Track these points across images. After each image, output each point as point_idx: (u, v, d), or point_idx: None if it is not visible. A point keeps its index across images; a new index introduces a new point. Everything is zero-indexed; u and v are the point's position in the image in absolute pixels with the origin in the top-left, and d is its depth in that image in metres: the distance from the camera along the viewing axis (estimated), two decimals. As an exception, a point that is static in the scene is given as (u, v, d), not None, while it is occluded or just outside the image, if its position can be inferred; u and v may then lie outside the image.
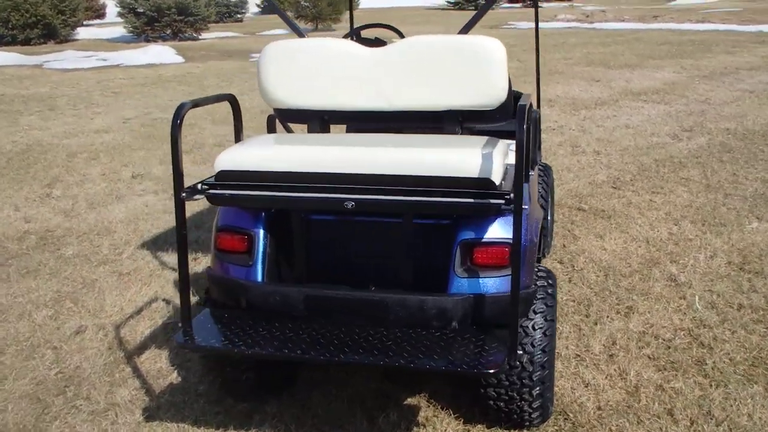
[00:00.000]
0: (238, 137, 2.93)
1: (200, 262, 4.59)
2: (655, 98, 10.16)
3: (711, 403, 2.94)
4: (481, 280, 2.45)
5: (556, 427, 2.82)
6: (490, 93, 2.75)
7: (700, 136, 7.74)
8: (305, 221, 2.71)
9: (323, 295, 2.54)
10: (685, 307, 3.77)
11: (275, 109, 3.10)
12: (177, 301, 3.95)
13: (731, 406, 2.93)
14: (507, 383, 2.61)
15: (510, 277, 2.40)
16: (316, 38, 3.03)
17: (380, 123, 3.04)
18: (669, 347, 3.39)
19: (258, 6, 33.95)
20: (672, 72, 12.70)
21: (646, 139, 7.71)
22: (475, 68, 2.74)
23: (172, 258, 4.68)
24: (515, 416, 2.70)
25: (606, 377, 3.15)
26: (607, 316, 3.69)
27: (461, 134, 2.92)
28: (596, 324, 3.61)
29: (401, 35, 3.80)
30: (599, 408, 2.93)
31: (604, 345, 3.42)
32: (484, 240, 2.47)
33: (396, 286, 2.58)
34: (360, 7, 28.48)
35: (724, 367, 3.22)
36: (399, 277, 2.61)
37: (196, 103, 2.52)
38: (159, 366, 3.38)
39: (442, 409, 2.93)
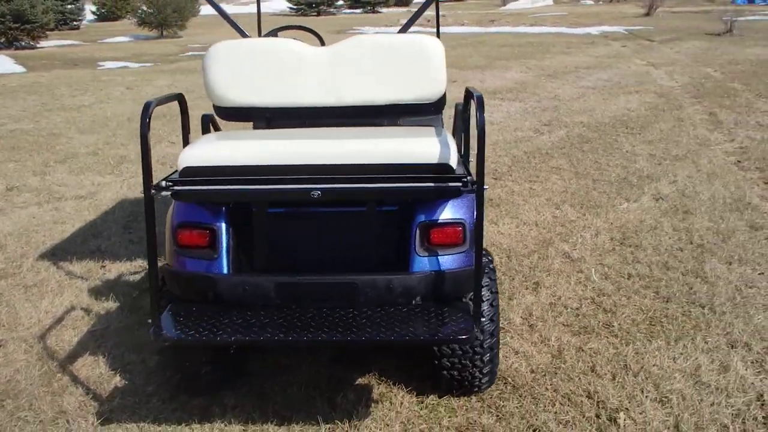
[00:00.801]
0: (186, 136, 2.98)
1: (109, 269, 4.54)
2: (510, 96, 10.85)
3: (625, 359, 3.33)
4: (439, 258, 2.68)
5: (498, 391, 3.09)
6: (431, 87, 2.98)
7: (558, 129, 8.40)
8: (266, 214, 2.81)
9: (295, 282, 2.66)
10: (584, 279, 4.19)
11: (219, 108, 3.16)
12: (97, 308, 3.94)
13: (642, 359, 3.33)
14: (460, 352, 2.86)
15: (464, 254, 2.66)
16: (261, 38, 3.12)
17: (324, 119, 3.17)
18: (578, 314, 3.78)
19: (93, 13, 32.44)
20: (519, 72, 13.56)
21: (512, 133, 8.27)
22: (417, 64, 2.96)
23: (77, 267, 4.58)
24: (467, 383, 2.95)
25: (531, 344, 3.47)
26: (519, 292, 4.03)
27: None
28: (511, 299, 3.94)
29: (320, 38, 3.95)
30: (532, 371, 3.24)
31: (522, 317, 3.75)
32: (440, 221, 2.69)
33: (359, 270, 2.74)
34: (201, 14, 27.92)
35: (628, 327, 3.63)
36: (361, 261, 2.77)
37: (159, 102, 2.57)
38: (98, 372, 3.35)
39: (394, 385, 3.13)
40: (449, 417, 2.94)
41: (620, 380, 3.17)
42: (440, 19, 4.58)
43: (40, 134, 8.72)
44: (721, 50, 15.90)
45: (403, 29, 3.29)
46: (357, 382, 3.18)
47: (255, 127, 3.16)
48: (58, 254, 4.84)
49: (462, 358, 2.87)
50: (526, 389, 3.11)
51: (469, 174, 2.61)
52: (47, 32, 21.27)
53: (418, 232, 2.69)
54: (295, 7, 37.83)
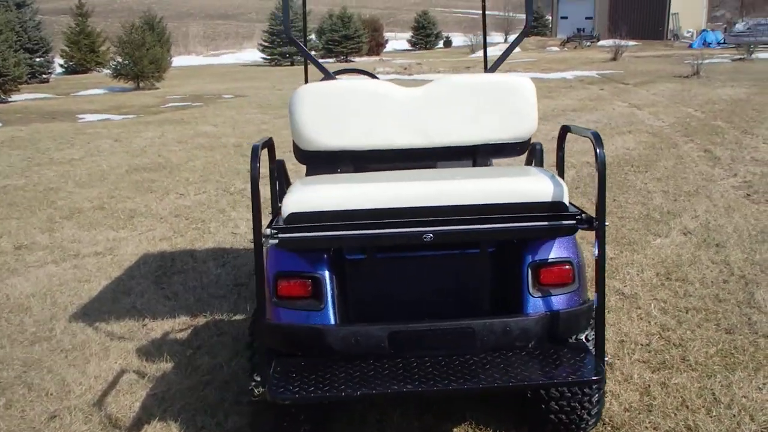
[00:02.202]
0: (274, 181, 2.92)
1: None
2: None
3: (713, 392, 3.31)
4: (552, 299, 2.63)
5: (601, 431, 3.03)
6: (523, 126, 2.98)
7: (568, 169, 8.46)
8: (375, 259, 2.74)
9: (409, 329, 2.56)
10: (644, 315, 4.18)
11: (305, 152, 3.09)
12: (151, 370, 3.79)
13: (729, 390, 3.31)
14: (569, 394, 2.80)
15: (573, 293, 2.63)
16: (347, 80, 3.08)
17: (413, 161, 3.13)
18: (650, 350, 3.75)
19: (61, 66, 32.17)
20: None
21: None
22: (509, 103, 2.96)
23: (116, 327, 4.42)
24: (574, 426, 2.88)
25: (615, 383, 3.43)
26: (584, 331, 3.99)
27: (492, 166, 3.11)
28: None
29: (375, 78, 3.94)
30: (626, 410, 3.19)
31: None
32: (549, 260, 2.66)
33: (469, 314, 2.67)
34: (173, 65, 27.93)
35: (704, 360, 3.62)
36: (471, 305, 2.72)
37: (264, 145, 2.52)
38: (176, 435, 3.21)
39: None
40: (559, 460, 2.87)
41: (716, 414, 3.14)
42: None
43: (36, 189, 8.52)
44: (694, 91, 16.34)
45: (492, 69, 3.30)
46: None
47: (341, 171, 3.09)
48: (91, 314, 4.68)
49: (571, 400, 2.81)
50: (626, 429, 3.06)
51: (583, 211, 2.59)
52: (19, 86, 20.89)
53: (530, 272, 2.65)
54: (268, 57, 38.05)
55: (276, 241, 2.46)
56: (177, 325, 4.42)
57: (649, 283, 4.68)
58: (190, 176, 8.91)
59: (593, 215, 2.49)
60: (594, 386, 2.77)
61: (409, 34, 55.56)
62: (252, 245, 5.91)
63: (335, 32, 41.86)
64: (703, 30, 41.23)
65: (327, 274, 2.63)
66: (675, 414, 3.15)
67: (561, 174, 3.16)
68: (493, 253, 2.72)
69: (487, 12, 4.55)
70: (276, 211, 2.95)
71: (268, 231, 2.50)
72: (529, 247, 2.67)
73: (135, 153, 10.68)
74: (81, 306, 4.83)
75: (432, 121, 2.98)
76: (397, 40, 56.62)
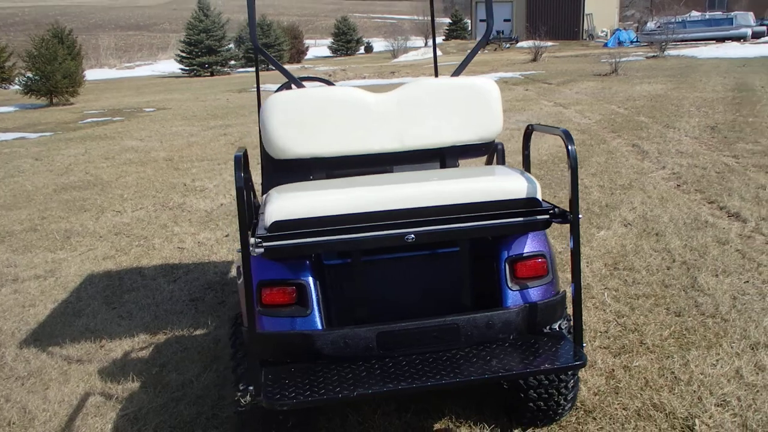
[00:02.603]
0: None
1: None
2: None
3: (672, 371, 3.48)
4: (529, 291, 2.73)
5: (574, 417, 3.16)
6: (491, 127, 3.07)
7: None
8: (360, 263, 2.77)
9: (396, 329, 2.61)
10: (599, 304, 4.34)
11: (277, 162, 3.10)
12: (117, 390, 3.73)
13: (687, 369, 3.49)
14: (547, 382, 2.91)
15: (548, 284, 2.74)
16: (318, 88, 3.09)
17: (385, 164, 3.18)
18: (609, 336, 3.91)
19: None
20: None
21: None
22: (478, 106, 3.04)
23: (72, 350, 4.31)
24: (551, 412, 3.00)
25: (582, 370, 3.54)
26: (543, 323, 4.13)
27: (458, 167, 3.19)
28: (539, 330, 4.03)
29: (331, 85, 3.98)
30: (595, 394, 3.33)
31: (557, 345, 3.84)
32: (525, 254, 2.76)
33: (450, 311, 2.74)
34: (86, 79, 27.11)
35: (659, 342, 3.80)
36: (451, 302, 2.79)
37: (244, 155, 2.53)
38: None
39: (474, 426, 3.14)
40: (540, 447, 2.97)
41: (678, 391, 3.30)
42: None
43: (-43, 214, 8.20)
44: (615, 89, 16.92)
45: (456, 73, 3.38)
46: (439, 428, 3.16)
47: (314, 178, 3.11)
48: (42, 339, 4.55)
49: (549, 387, 2.92)
50: (598, 411, 3.19)
51: (555, 206, 2.69)
52: None
53: (507, 267, 2.74)
54: (187, 68, 37.38)
55: (262, 250, 2.48)
56: (137, 344, 4.35)
57: (599, 274, 4.86)
58: (124, 193, 8.74)
59: (564, 209, 2.60)
60: (571, 372, 2.89)
61: (329, 41, 55.57)
62: (199, 259, 5.86)
63: (256, 40, 41.53)
64: (617, 29, 42.69)
65: (311, 280, 2.66)
66: (640, 394, 3.30)
67: (527, 171, 3.27)
68: (471, 250, 2.80)
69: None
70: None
71: (253, 240, 2.50)
72: (504, 243, 2.77)
73: (60, 171, 10.38)
74: (30, 331, 4.70)
75: (404, 125, 3.03)
76: (318, 47, 56.61)
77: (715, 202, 6.49)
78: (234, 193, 8.44)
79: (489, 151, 3.25)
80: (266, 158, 3.14)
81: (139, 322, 4.68)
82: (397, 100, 3.04)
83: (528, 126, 3.03)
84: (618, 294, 4.47)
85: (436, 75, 4.66)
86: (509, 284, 2.72)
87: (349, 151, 3.01)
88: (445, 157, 3.15)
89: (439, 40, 63.88)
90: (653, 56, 27.43)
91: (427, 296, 2.85)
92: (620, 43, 38.13)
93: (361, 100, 3.00)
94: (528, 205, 2.63)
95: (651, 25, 37.65)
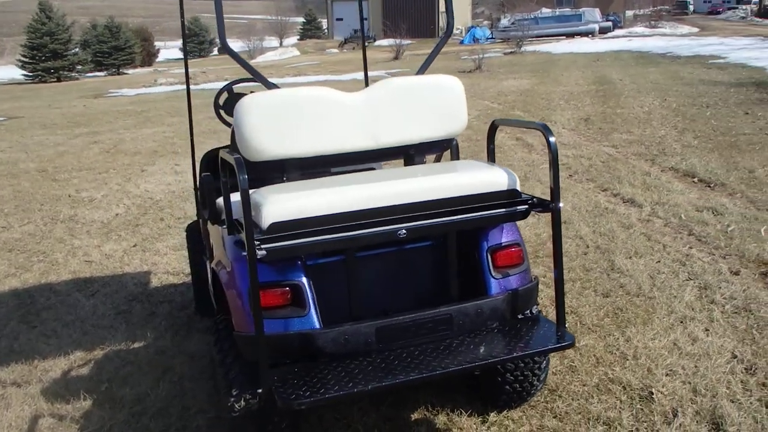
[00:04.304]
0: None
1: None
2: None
3: (617, 348, 3.76)
4: (510, 279, 2.89)
5: (542, 397, 3.35)
6: (457, 123, 3.18)
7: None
8: (355, 259, 2.81)
9: (393, 323, 2.68)
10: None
11: (251, 163, 3.06)
12: (69, 411, 3.58)
13: (630, 344, 3.78)
14: (522, 365, 3.08)
15: (524, 272, 2.92)
16: (294, 88, 3.07)
17: (357, 163, 3.22)
18: (551, 320, 4.13)
19: None
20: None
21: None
22: (445, 102, 3.14)
23: (1, 374, 4.06)
24: (525, 393, 3.17)
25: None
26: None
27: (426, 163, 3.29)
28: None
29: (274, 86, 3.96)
30: (554, 374, 3.54)
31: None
32: (503, 244, 2.91)
33: (441, 301, 2.84)
34: None
35: (597, 322, 4.09)
36: (440, 293, 2.90)
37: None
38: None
39: (451, 413, 3.26)
40: (519, 427, 3.14)
41: (628, 366, 3.57)
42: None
43: None
44: (483, 85, 17.62)
45: (420, 71, 3.46)
46: (417, 418, 3.26)
47: (288, 179, 3.10)
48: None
49: (524, 369, 3.09)
50: (561, 389, 3.40)
51: (534, 197, 2.85)
52: None
53: (488, 257, 2.88)
54: (31, 74, 35.21)
55: (264, 252, 2.47)
56: (74, 362, 4.16)
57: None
58: (4, 207, 8.23)
59: (543, 199, 2.77)
60: (544, 357, 3.07)
61: (180, 42, 54.02)
62: (112, 271, 5.63)
63: (104, 44, 39.76)
64: (472, 27, 44.30)
65: (305, 279, 2.69)
66: (595, 371, 3.54)
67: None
68: (455, 243, 2.91)
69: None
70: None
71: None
72: (484, 234, 2.91)
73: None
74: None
75: (377, 123, 3.08)
76: (168, 49, 55.07)
77: (608, 190, 6.98)
78: (127, 203, 8.16)
79: (449, 147, 3.37)
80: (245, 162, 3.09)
81: (68, 340, 4.47)
82: (369, 99, 3.10)
83: (492, 121, 3.17)
84: (547, 280, 4.73)
85: (366, 76, 4.74)
86: (492, 273, 2.86)
87: (324, 151, 3.03)
88: (413, 154, 3.24)
89: (293, 39, 63.80)
90: (511, 52, 28.76)
91: (419, 289, 2.95)
92: (476, 40, 39.64)
93: (335, 99, 3.04)
94: (509, 196, 2.78)
95: (505, 21, 39.45)
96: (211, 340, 3.01)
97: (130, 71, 39.87)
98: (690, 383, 3.37)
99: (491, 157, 3.23)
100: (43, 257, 6.27)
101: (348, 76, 23.71)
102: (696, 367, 3.51)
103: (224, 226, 2.91)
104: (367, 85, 4.69)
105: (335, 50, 44.41)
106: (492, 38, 40.00)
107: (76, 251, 6.37)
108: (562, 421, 3.16)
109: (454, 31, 48.13)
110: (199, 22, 53.69)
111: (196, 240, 4.56)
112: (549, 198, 2.73)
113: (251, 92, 4.12)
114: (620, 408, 3.21)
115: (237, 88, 4.12)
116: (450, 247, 2.89)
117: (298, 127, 2.96)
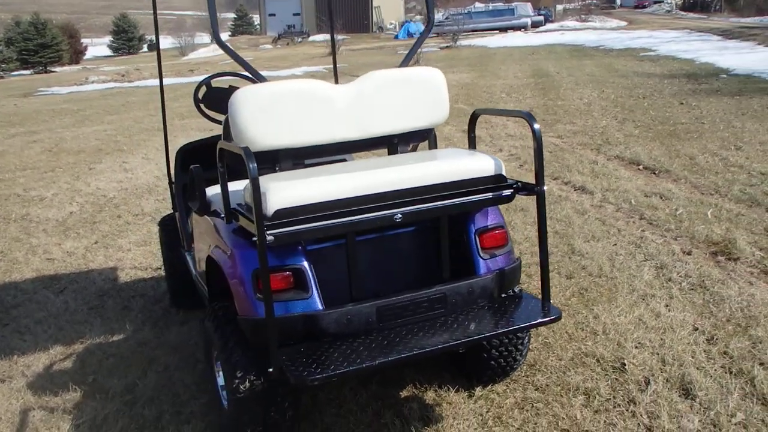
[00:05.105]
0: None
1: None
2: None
3: (587, 325, 3.99)
4: (497, 259, 3.07)
5: (522, 372, 3.54)
6: (440, 113, 3.33)
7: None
8: (355, 243, 2.94)
9: (393, 303, 2.83)
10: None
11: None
12: (60, 403, 3.59)
13: (598, 322, 4.01)
14: (507, 340, 3.26)
15: (508, 253, 3.10)
16: (286, 81, 3.17)
17: (344, 152, 3.34)
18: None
19: None
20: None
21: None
22: (428, 93, 3.28)
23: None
24: (508, 368, 3.36)
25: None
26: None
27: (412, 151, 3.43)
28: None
29: (254, 82, 4.03)
30: (530, 350, 3.73)
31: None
32: (489, 227, 3.09)
33: (429, 283, 2.99)
34: None
35: (565, 302, 4.31)
36: (431, 273, 3.05)
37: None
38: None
39: (440, 389, 3.42)
40: (504, 400, 3.32)
41: (599, 340, 3.80)
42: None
43: None
44: (424, 78, 17.82)
45: (404, 63, 3.58)
46: (406, 395, 3.41)
47: (281, 169, 3.19)
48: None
49: (508, 345, 3.28)
50: (539, 364, 3.60)
51: (519, 181, 3.03)
52: None
53: (477, 238, 3.05)
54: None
55: (272, 238, 2.58)
56: (55, 357, 4.17)
57: (488, 247, 5.32)
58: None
59: (527, 182, 2.95)
60: (527, 332, 3.27)
61: (108, 39, 52.89)
62: (76, 268, 5.61)
63: (29, 41, 38.59)
64: (406, 21, 44.63)
65: (306, 263, 2.80)
66: (568, 346, 3.76)
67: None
68: (444, 226, 3.07)
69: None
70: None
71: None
72: (471, 218, 3.08)
73: None
74: None
75: (366, 114, 3.19)
76: (95, 46, 53.79)
77: (559, 178, 7.26)
78: (80, 201, 8.06)
79: (429, 137, 3.52)
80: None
81: (44, 336, 4.46)
82: (358, 90, 3.21)
83: (474, 111, 3.33)
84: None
85: (335, 70, 4.86)
86: (481, 254, 3.03)
87: (316, 141, 3.14)
88: (396, 143, 3.37)
89: (224, 36, 63.01)
90: (447, 47, 29.13)
91: (413, 270, 3.10)
92: (410, 35, 39.97)
93: (326, 91, 3.14)
94: (497, 181, 2.95)
95: (439, 16, 39.83)
96: (209, 327, 3.09)
97: (58, 69, 38.79)
98: (658, 354, 3.61)
99: (472, 145, 3.39)
100: (1, 256, 6.18)
101: (285, 72, 23.70)
102: (662, 339, 3.75)
103: (221, 216, 3.00)
104: (336, 79, 4.82)
105: (269, 46, 44.10)
106: (427, 33, 40.31)
107: (36, 249, 6.30)
108: (544, 392, 3.36)
109: (388, 25, 48.49)
110: (127, 18, 52.65)
111: (171, 233, 4.61)
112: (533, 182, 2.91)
113: (230, 86, 4.22)
114: (596, 379, 3.43)
115: (215, 81, 4.19)
116: (442, 230, 3.04)
117: (292, 118, 3.06)
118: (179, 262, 4.47)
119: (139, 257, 5.89)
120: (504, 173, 2.99)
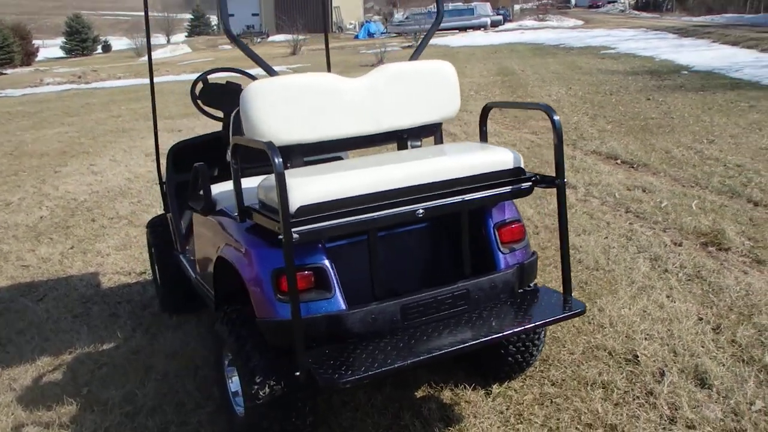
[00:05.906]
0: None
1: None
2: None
3: (592, 318, 3.95)
4: (516, 253, 3.01)
5: (537, 368, 3.49)
6: (451, 107, 3.26)
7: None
8: (377, 240, 2.84)
9: (418, 301, 2.73)
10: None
11: (254, 150, 3.02)
12: (55, 417, 3.44)
13: (603, 315, 3.98)
14: (524, 336, 3.20)
15: (525, 247, 3.05)
16: (298, 75, 3.05)
17: (354, 148, 3.24)
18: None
19: None
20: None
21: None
22: (440, 87, 3.21)
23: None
24: (524, 364, 3.30)
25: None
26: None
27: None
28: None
29: (252, 77, 3.92)
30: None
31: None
32: (507, 221, 3.03)
33: (447, 279, 2.91)
34: None
35: (569, 296, 4.26)
36: (452, 268, 2.97)
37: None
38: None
39: (456, 388, 3.35)
40: (523, 396, 3.26)
41: (607, 333, 3.77)
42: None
43: None
44: (390, 77, 17.77)
45: (414, 57, 3.50)
46: (423, 396, 3.33)
47: (292, 165, 3.08)
48: None
49: (525, 341, 3.22)
50: (552, 359, 3.55)
51: (537, 174, 2.97)
52: None
53: (496, 232, 2.98)
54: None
55: (297, 236, 2.47)
56: (43, 368, 3.99)
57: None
58: None
59: (547, 175, 2.90)
60: (543, 328, 3.21)
61: (60, 40, 51.76)
62: (54, 275, 5.41)
63: (-22, 42, 37.59)
64: (366, 21, 44.55)
65: (327, 262, 2.70)
66: (578, 340, 3.72)
67: None
68: (465, 221, 3.00)
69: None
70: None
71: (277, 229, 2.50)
72: (489, 212, 3.01)
73: None
74: None
75: (379, 108, 3.10)
76: (47, 48, 52.63)
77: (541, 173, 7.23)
78: (49, 205, 7.81)
79: (438, 130, 3.44)
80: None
81: (29, 347, 4.27)
82: (370, 84, 3.13)
83: (485, 105, 3.26)
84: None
85: (329, 67, 4.75)
86: (501, 249, 2.97)
87: (330, 136, 3.04)
88: (406, 138, 3.28)
89: (181, 36, 62.20)
90: (409, 46, 29.08)
91: (431, 266, 3.02)
92: (371, 35, 39.90)
93: (338, 85, 3.05)
94: (516, 174, 2.89)
95: (399, 16, 39.94)
96: (222, 331, 2.96)
97: (9, 71, 37.76)
98: (668, 345, 3.59)
99: (484, 138, 3.33)
100: (-28, 265, 5.94)
101: (251, 72, 23.37)
102: (669, 330, 3.74)
103: (231, 215, 2.88)
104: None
105: (228, 46, 43.57)
106: (386, 33, 40.41)
107: (8, 256, 6.07)
108: (561, 387, 3.31)
109: (348, 26, 48.37)
110: (81, 19, 51.58)
111: (162, 235, 4.46)
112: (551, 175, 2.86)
113: (227, 81, 4.09)
114: (611, 372, 3.39)
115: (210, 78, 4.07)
116: (463, 225, 2.97)
117: (304, 113, 2.96)
118: (172, 265, 4.32)
119: (121, 261, 5.71)
120: (522, 166, 2.93)
